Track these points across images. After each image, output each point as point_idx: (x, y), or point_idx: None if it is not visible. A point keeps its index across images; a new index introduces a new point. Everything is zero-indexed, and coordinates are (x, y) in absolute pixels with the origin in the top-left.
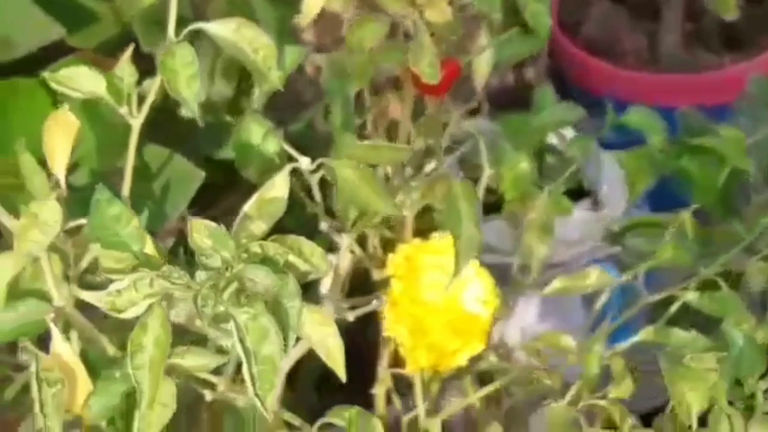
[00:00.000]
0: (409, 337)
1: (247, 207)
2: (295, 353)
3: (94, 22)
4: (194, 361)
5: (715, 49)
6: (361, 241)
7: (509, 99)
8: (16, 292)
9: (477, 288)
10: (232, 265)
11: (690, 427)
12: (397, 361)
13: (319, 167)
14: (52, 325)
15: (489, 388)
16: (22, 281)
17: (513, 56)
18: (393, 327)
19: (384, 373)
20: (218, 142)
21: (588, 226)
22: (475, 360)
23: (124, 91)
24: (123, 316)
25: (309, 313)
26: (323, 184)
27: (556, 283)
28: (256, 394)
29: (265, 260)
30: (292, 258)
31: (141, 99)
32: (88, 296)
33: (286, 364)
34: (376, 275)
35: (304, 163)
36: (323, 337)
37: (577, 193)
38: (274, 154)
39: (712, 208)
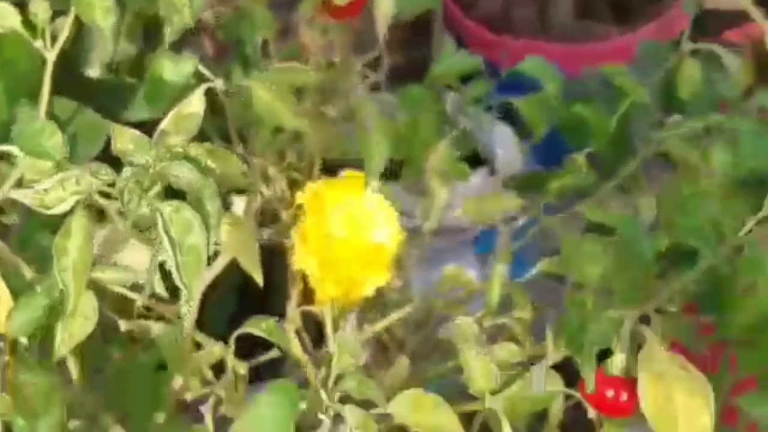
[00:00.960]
0: (318, 269)
1: (164, 124)
2: (218, 264)
3: None
4: (113, 275)
5: (604, 18)
6: (269, 184)
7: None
8: None
9: (382, 220)
10: (157, 165)
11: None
12: (306, 300)
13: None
14: None
15: (392, 317)
16: None
17: (414, 5)
18: (303, 260)
19: (293, 312)
20: (123, 102)
21: (486, 191)
22: (380, 294)
23: (38, 25)
24: (51, 212)
25: (227, 219)
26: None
27: (466, 206)
28: (183, 283)
29: (188, 159)
30: (211, 163)
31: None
32: (16, 194)
33: (208, 275)
34: (285, 217)
35: (219, 83)
36: (241, 243)
37: (474, 161)
38: (188, 75)
39: (603, 153)
